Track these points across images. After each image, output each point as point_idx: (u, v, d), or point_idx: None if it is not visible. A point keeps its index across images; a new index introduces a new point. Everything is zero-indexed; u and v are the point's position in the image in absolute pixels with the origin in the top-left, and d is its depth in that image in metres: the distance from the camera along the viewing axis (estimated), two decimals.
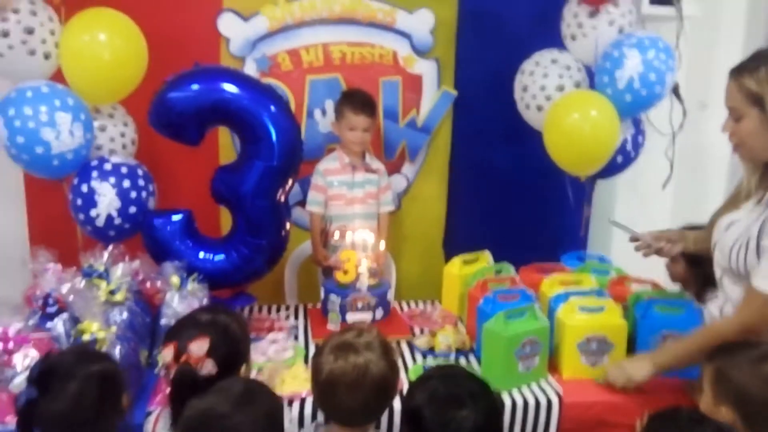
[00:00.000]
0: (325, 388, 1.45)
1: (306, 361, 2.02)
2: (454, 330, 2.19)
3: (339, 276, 2.28)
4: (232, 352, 1.50)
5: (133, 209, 2.30)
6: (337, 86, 2.88)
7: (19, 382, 1.65)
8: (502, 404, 1.79)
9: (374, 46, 2.92)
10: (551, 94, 2.67)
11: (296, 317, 2.40)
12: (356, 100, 2.70)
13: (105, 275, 1.97)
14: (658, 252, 2.12)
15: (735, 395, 1.44)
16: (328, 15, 2.86)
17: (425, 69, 2.98)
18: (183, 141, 2.21)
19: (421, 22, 2.93)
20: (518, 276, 2.31)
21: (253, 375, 1.69)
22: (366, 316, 2.26)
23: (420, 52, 2.96)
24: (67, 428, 1.38)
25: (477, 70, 2.96)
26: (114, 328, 1.80)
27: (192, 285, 2.05)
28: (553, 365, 2.01)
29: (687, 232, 2.14)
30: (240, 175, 2.19)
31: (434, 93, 2.99)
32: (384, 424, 1.73)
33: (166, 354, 1.44)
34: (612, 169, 2.76)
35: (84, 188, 2.27)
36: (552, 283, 2.17)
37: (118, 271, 1.98)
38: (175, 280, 2.03)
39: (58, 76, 2.33)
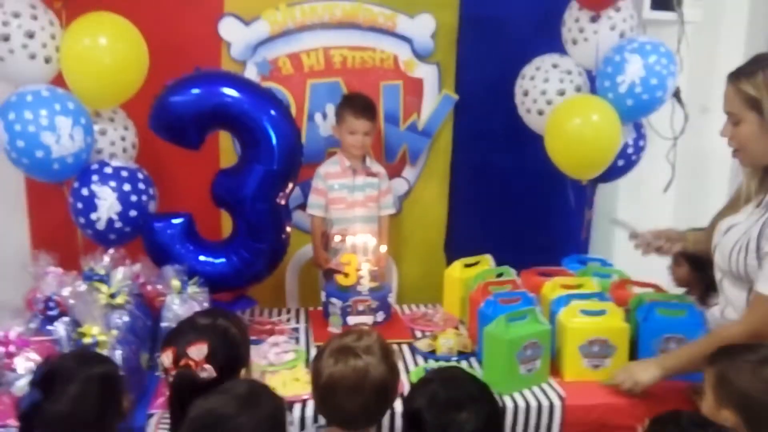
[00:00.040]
0: (325, 392, 1.45)
1: (307, 364, 2.01)
2: (456, 333, 2.19)
3: (340, 279, 2.28)
4: (231, 356, 1.49)
5: (133, 213, 2.30)
6: (338, 90, 2.88)
7: (21, 385, 1.65)
8: (503, 408, 1.78)
9: (375, 51, 2.92)
10: (552, 98, 2.67)
11: (297, 320, 2.39)
12: (357, 104, 2.70)
13: (106, 279, 1.97)
14: (658, 250, 2.13)
15: (737, 398, 1.43)
16: (329, 19, 2.87)
17: (426, 73, 2.98)
18: (183, 145, 2.21)
19: (422, 27, 2.93)
20: (519, 279, 2.31)
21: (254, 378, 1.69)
22: (367, 319, 2.26)
23: (421, 56, 2.96)
24: (67, 430, 1.38)
25: (478, 74, 2.97)
26: (115, 332, 1.80)
27: (192, 288, 2.04)
28: (555, 368, 2.00)
29: (687, 232, 2.14)
30: (240, 179, 2.19)
31: (435, 97, 2.99)
32: (385, 427, 1.73)
33: (166, 358, 1.43)
34: (613, 172, 2.76)
35: (84, 192, 2.27)
36: (553, 287, 2.17)
37: (119, 274, 1.98)
38: (175, 283, 2.03)
39: (58, 80, 2.33)
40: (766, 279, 1.66)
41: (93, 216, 2.27)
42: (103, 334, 1.74)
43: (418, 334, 2.27)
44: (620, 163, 2.74)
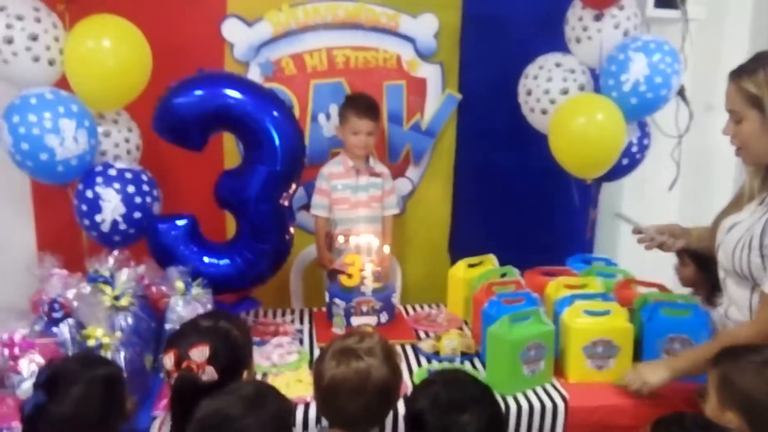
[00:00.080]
0: (327, 394, 1.45)
1: (311, 365, 2.01)
2: (460, 333, 2.19)
3: (343, 280, 2.28)
4: (233, 358, 1.50)
5: (137, 214, 2.30)
6: (341, 90, 2.88)
7: (26, 387, 1.66)
8: (505, 410, 1.78)
9: (378, 51, 2.92)
10: (555, 97, 2.66)
11: (301, 321, 2.40)
12: (359, 104, 2.70)
13: (110, 280, 1.98)
14: (661, 246, 2.12)
15: (740, 400, 1.42)
16: (332, 20, 2.86)
17: (429, 73, 2.98)
18: (186, 146, 2.21)
19: (424, 26, 2.93)
20: (523, 279, 2.30)
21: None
22: (371, 320, 2.26)
23: (424, 56, 2.95)
24: None
25: (481, 73, 2.96)
26: (119, 334, 1.81)
27: (196, 290, 2.05)
28: (559, 369, 2.00)
29: (691, 228, 2.13)
30: (243, 180, 2.20)
31: (438, 96, 2.99)
32: (389, 428, 1.72)
33: (168, 360, 1.44)
34: (617, 171, 2.75)
35: (89, 194, 2.28)
36: (557, 287, 2.16)
37: (123, 276, 1.99)
38: (179, 285, 2.03)
39: (62, 83, 2.34)
40: None
41: (97, 218, 2.28)
42: (107, 336, 1.75)
43: (422, 334, 2.27)
44: (625, 161, 2.73)
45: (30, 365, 1.70)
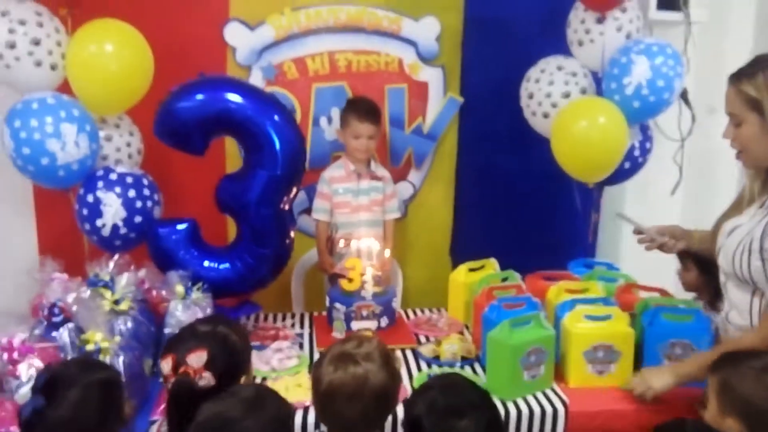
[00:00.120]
0: (324, 399, 1.45)
1: (311, 369, 2.01)
2: (460, 338, 2.18)
3: (344, 284, 2.28)
4: (231, 363, 1.50)
5: (138, 219, 2.31)
6: (343, 94, 2.88)
7: (25, 392, 1.66)
8: (504, 415, 1.77)
9: (380, 54, 2.92)
10: (557, 101, 2.66)
11: (302, 325, 2.40)
12: (360, 107, 2.70)
13: (110, 285, 1.98)
14: (662, 247, 2.11)
15: (740, 406, 1.41)
16: (334, 23, 2.86)
17: (431, 76, 2.97)
18: (188, 151, 2.22)
19: (426, 30, 2.93)
20: (524, 284, 2.29)
21: None
22: (371, 325, 2.26)
23: (426, 59, 2.95)
24: None
25: (483, 76, 2.95)
26: (118, 338, 1.81)
27: (196, 294, 2.05)
28: (560, 374, 1.99)
29: (692, 230, 2.12)
30: (244, 184, 2.20)
31: (440, 100, 2.98)
32: None
33: (165, 365, 1.44)
34: (620, 175, 2.74)
35: (90, 198, 2.28)
36: (558, 291, 2.15)
37: (123, 280, 1.99)
38: (179, 289, 2.04)
39: (64, 87, 2.35)
40: None
41: (98, 222, 2.28)
42: (106, 340, 1.76)
43: (423, 339, 2.27)
44: (627, 165, 2.72)
45: (29, 370, 1.70)
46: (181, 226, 2.24)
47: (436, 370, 2.04)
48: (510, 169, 3.01)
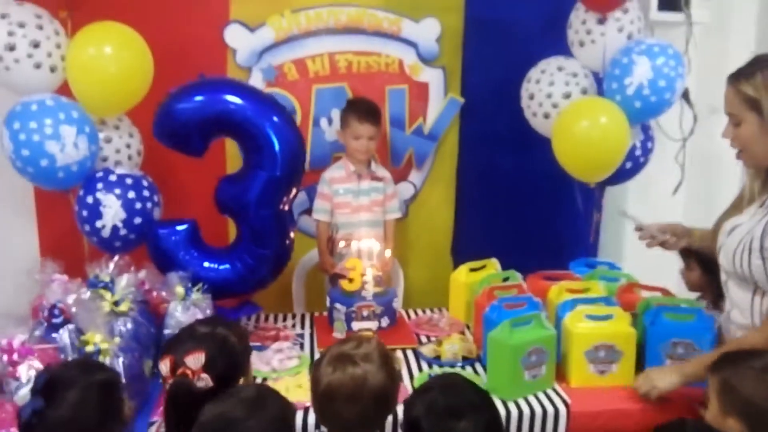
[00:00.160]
0: (323, 400, 1.44)
1: (311, 370, 2.00)
2: (461, 338, 2.18)
3: (344, 284, 2.28)
4: (229, 365, 1.49)
5: (138, 220, 2.31)
6: (344, 95, 2.88)
7: (24, 393, 1.65)
8: (504, 416, 1.77)
9: (380, 55, 2.92)
10: (558, 101, 2.65)
11: (302, 326, 2.39)
12: (360, 108, 2.69)
13: (110, 286, 1.98)
14: (663, 244, 2.11)
15: (741, 406, 1.41)
16: (334, 24, 2.86)
17: (431, 77, 2.97)
18: (187, 152, 2.22)
19: (427, 31, 2.92)
20: (525, 283, 2.29)
21: None
22: (371, 325, 2.25)
23: (426, 60, 2.95)
24: None
25: (483, 77, 2.95)
26: (118, 339, 1.81)
27: (196, 295, 2.05)
28: (561, 374, 1.98)
29: (693, 228, 2.12)
30: (243, 185, 2.20)
31: (441, 100, 2.98)
32: None
33: (163, 367, 1.43)
34: (621, 175, 2.74)
35: (89, 200, 2.28)
36: (559, 291, 2.15)
37: (123, 281, 1.99)
38: (179, 290, 2.03)
39: (64, 89, 2.35)
40: None
41: (98, 223, 2.28)
42: (105, 341, 1.75)
43: (424, 339, 2.26)
44: (628, 165, 2.72)
45: (29, 371, 1.70)
46: (180, 227, 2.24)
47: (437, 370, 2.03)
48: (511, 169, 3.01)
